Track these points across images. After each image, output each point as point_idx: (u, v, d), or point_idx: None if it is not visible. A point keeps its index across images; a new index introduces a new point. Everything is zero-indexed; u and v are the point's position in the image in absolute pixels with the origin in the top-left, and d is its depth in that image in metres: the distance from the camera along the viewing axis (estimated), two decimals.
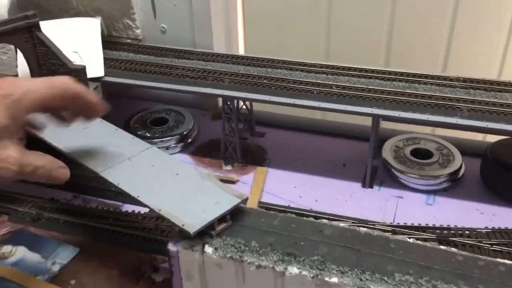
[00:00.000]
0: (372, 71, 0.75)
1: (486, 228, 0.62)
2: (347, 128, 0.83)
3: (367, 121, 0.69)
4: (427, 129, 0.88)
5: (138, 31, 0.87)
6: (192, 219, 0.45)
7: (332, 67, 0.76)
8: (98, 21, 0.82)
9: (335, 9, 0.95)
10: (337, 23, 0.96)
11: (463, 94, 0.68)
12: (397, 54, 0.98)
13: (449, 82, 0.71)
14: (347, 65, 0.76)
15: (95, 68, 0.75)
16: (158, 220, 0.63)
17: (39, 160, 0.45)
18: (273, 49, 0.98)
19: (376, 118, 0.68)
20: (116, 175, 0.51)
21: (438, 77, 0.73)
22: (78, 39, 0.78)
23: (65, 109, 0.50)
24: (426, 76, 0.73)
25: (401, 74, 0.74)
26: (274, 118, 0.87)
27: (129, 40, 0.87)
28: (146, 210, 0.66)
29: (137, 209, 0.66)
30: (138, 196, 0.48)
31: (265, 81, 0.73)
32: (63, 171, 0.47)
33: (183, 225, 0.44)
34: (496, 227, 0.63)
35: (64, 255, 0.60)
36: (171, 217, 0.45)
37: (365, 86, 0.71)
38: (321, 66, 0.77)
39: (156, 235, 0.61)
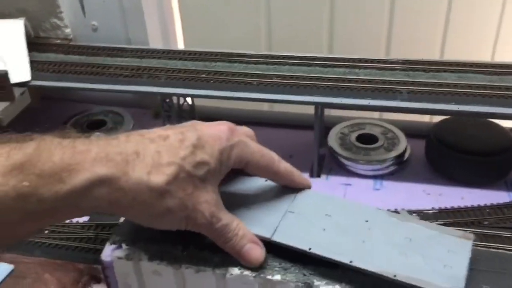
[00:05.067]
0: (313, 58, 0.74)
1: (433, 208, 0.63)
2: (292, 117, 0.82)
3: (312, 110, 0.68)
4: (374, 114, 0.88)
5: (67, 31, 0.83)
6: (443, 280, 0.36)
7: (272, 56, 0.75)
8: (21, 22, 0.77)
9: None
10: (277, 10, 0.94)
11: (403, 77, 0.68)
12: (340, 41, 0.97)
13: (389, 65, 0.71)
14: (288, 54, 0.75)
15: (20, 72, 0.70)
16: (98, 229, 0.60)
17: (234, 223, 0.40)
18: (214, 41, 0.95)
19: (319, 106, 0.66)
20: (297, 239, 0.40)
21: (379, 61, 0.72)
22: (0, 43, 0.73)
23: None
24: (366, 61, 0.72)
25: (342, 60, 0.73)
26: (218, 112, 0.84)
27: (58, 41, 0.83)
28: (86, 219, 0.62)
29: (75, 219, 0.62)
30: (351, 262, 0.38)
31: (203, 75, 0.70)
32: (256, 251, 0.40)
33: None
34: (443, 207, 0.63)
35: None
36: (418, 283, 0.36)
37: (306, 75, 0.70)
38: (261, 56, 0.75)
39: (97, 245, 0.58)
